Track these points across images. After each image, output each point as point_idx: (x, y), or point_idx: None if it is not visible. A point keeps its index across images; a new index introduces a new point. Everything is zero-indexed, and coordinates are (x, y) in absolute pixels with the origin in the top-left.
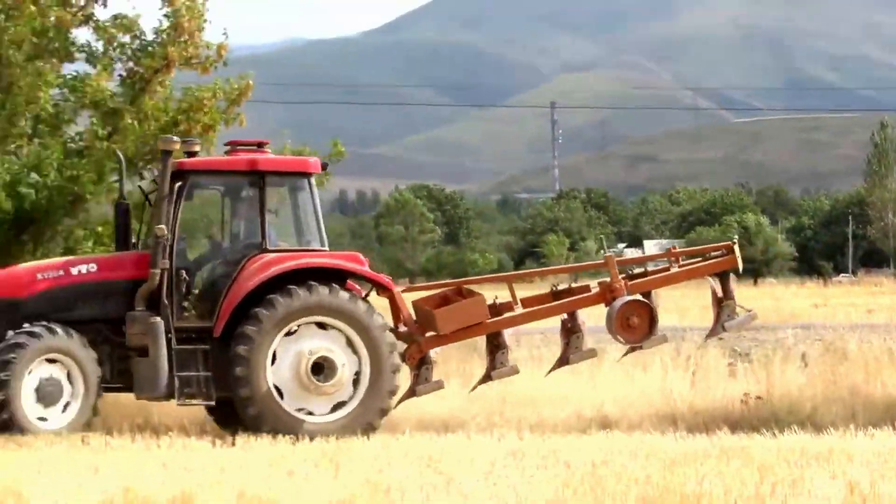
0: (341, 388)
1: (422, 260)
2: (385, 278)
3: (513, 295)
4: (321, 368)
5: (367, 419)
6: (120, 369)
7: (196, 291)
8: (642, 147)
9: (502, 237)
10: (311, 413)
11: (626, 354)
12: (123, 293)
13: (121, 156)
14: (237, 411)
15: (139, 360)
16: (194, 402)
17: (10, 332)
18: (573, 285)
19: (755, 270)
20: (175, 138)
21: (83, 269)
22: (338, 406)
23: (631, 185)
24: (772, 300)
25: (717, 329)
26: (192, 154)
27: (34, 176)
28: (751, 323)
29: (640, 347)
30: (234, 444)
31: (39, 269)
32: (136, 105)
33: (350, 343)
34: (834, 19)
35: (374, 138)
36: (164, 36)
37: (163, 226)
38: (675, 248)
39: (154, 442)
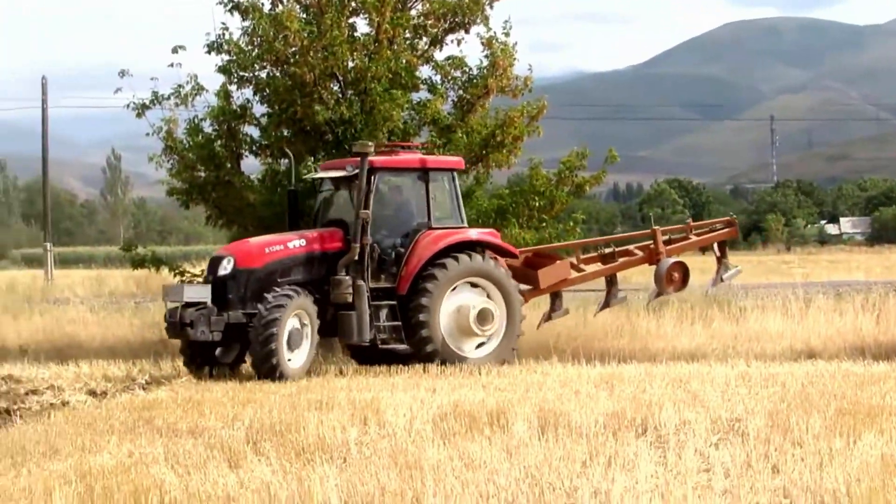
0: (494, 332)
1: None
2: (513, 249)
3: (578, 258)
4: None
5: (504, 355)
6: (321, 319)
7: (383, 260)
8: (838, 148)
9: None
10: (461, 349)
11: (651, 301)
12: (322, 261)
13: (290, 153)
14: (416, 349)
15: (345, 314)
16: (390, 345)
17: (276, 290)
18: (616, 250)
19: None
20: (369, 143)
21: (296, 243)
22: (479, 345)
23: (830, 177)
24: None
25: (717, 280)
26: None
27: None
28: (738, 275)
29: (663, 295)
30: (535, 371)
31: (266, 244)
32: (464, 122)
33: (490, 297)
34: None
35: (639, 145)
36: (485, 71)
37: (367, 210)
38: (690, 222)
39: (475, 369)
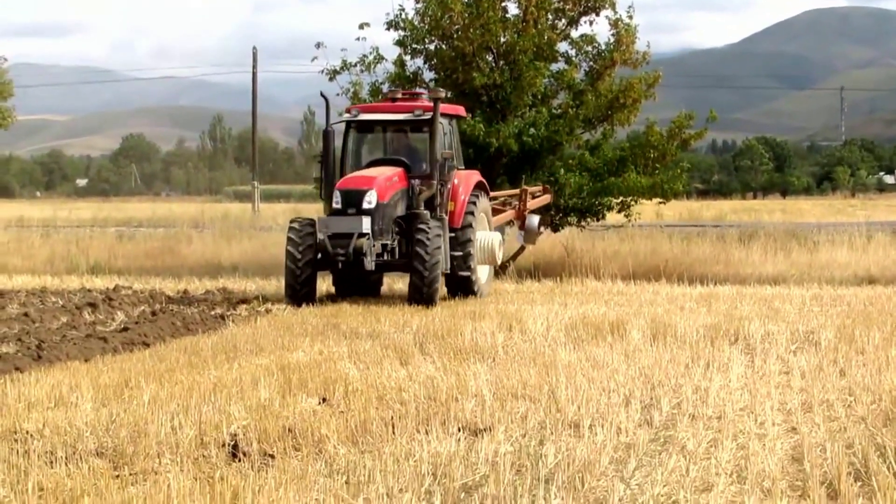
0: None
1: (761, 181)
2: (486, 187)
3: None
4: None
5: (491, 280)
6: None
7: (441, 196)
8: None
9: (810, 168)
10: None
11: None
12: (403, 196)
13: (326, 97)
14: (464, 278)
15: None
16: (462, 273)
17: (422, 225)
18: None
19: None
20: (441, 90)
21: (395, 179)
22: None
23: (888, 137)
24: None
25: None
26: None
27: (532, 130)
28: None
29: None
30: (647, 290)
31: (387, 179)
32: (593, 87)
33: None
34: None
35: (734, 108)
36: (611, 47)
37: (451, 150)
38: (526, 188)
39: (601, 287)
